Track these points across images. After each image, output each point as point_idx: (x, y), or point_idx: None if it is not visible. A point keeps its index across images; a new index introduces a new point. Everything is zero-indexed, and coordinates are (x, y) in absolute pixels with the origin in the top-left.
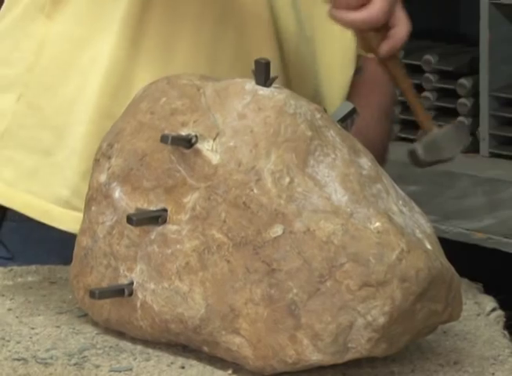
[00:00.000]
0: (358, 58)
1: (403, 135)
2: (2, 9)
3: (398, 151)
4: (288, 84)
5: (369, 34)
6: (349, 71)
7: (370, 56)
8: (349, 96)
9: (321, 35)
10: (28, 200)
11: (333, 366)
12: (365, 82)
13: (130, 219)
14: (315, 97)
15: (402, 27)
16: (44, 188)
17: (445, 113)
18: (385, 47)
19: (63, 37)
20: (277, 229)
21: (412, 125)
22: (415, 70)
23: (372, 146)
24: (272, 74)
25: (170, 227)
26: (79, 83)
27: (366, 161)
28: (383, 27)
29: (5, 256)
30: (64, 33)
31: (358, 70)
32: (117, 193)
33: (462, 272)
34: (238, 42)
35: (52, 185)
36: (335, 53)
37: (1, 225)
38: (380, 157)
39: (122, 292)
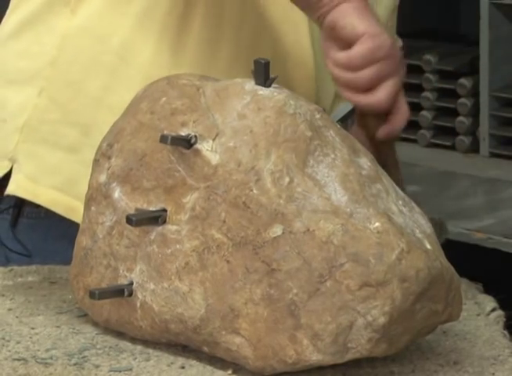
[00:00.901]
0: None
1: (403, 135)
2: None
3: (398, 151)
4: (317, 84)
5: (369, 116)
6: None
7: None
8: None
9: None
10: (53, 196)
11: (333, 367)
12: None
13: (129, 220)
14: (335, 101)
15: (401, 114)
16: (69, 185)
17: (445, 114)
18: (383, 131)
19: (85, 33)
20: (277, 229)
21: (412, 125)
22: (415, 70)
23: None
24: (305, 72)
25: (169, 227)
26: (106, 81)
27: (366, 161)
28: (384, 112)
29: (23, 253)
30: (87, 28)
31: None
32: (116, 193)
33: (462, 273)
34: (274, 46)
35: (79, 182)
36: None
37: (17, 223)
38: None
39: (122, 292)
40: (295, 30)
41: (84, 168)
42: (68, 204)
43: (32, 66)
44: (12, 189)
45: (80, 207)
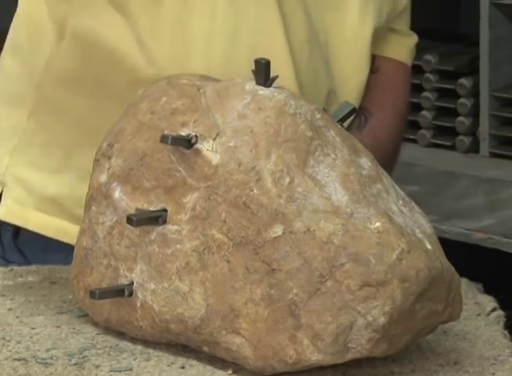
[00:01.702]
0: (374, 58)
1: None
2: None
3: None
4: (300, 90)
5: None
6: (364, 74)
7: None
8: (363, 96)
9: (334, 39)
10: (41, 219)
11: (334, 367)
12: (381, 82)
13: (130, 219)
14: (329, 101)
15: None
16: (55, 206)
17: (445, 114)
18: None
19: (68, 56)
20: (277, 229)
21: (412, 125)
22: (415, 70)
23: (384, 147)
24: (284, 81)
25: (170, 227)
26: (88, 103)
27: (366, 161)
28: None
29: (23, 263)
30: (69, 51)
31: (374, 70)
32: (117, 193)
33: (462, 272)
34: (251, 54)
35: (63, 204)
36: (349, 57)
37: (19, 234)
38: (392, 158)
39: (122, 292)
40: (271, 40)
41: (68, 189)
42: (56, 225)
43: (22, 89)
44: (2, 213)
45: (68, 226)
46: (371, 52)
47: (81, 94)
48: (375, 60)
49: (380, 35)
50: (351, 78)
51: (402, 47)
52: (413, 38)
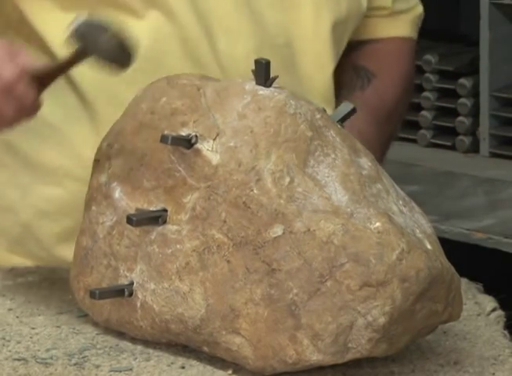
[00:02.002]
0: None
1: (403, 135)
2: None
3: (398, 151)
4: None
5: None
6: (328, 70)
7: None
8: (368, 59)
9: (294, 40)
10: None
11: (334, 367)
12: (386, 49)
13: (130, 219)
14: None
15: None
16: (19, 246)
17: (445, 114)
18: None
19: None
20: (277, 229)
21: (412, 125)
22: (415, 70)
23: (388, 107)
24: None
25: (170, 227)
26: (37, 144)
27: (366, 161)
28: None
29: None
30: None
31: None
32: (117, 193)
33: (462, 272)
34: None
35: (26, 244)
36: (310, 55)
37: None
38: (396, 120)
39: (122, 292)
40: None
41: (28, 230)
42: (15, 262)
43: None
44: None
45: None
46: (348, 40)
47: (33, 134)
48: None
49: (354, 24)
50: (316, 76)
51: (402, 24)
52: (416, 10)
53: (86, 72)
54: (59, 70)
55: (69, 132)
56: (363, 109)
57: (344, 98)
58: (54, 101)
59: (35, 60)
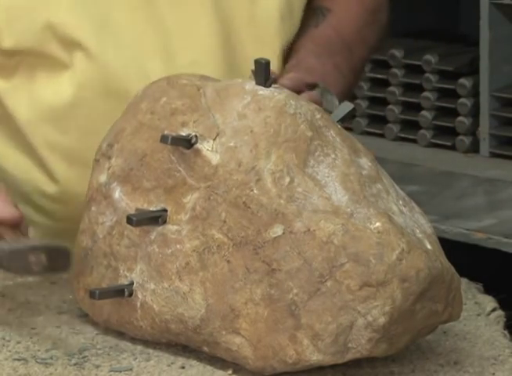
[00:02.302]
0: None
1: (403, 135)
2: None
3: (398, 151)
4: None
5: None
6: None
7: None
8: None
9: (245, 37)
10: None
11: (334, 367)
12: None
13: (130, 220)
14: None
15: None
16: None
17: (445, 114)
18: None
19: None
20: (277, 229)
21: (412, 125)
22: (415, 70)
23: (347, 40)
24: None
25: (170, 227)
26: None
27: (366, 161)
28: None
29: None
30: None
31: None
32: (116, 194)
33: (462, 272)
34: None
35: None
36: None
37: None
38: (359, 50)
39: (122, 292)
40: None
41: None
42: None
43: None
44: None
45: None
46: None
47: None
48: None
49: None
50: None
51: None
52: None
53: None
54: None
55: None
56: (313, 43)
57: (297, 38)
58: None
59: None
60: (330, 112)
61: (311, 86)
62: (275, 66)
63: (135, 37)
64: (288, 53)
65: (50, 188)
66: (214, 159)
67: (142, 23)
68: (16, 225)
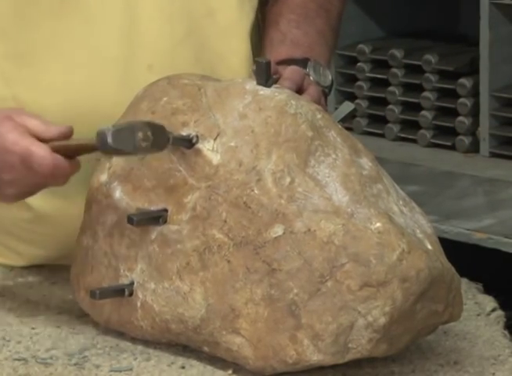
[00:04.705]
0: None
1: (403, 135)
2: None
3: (398, 151)
4: None
5: None
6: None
7: None
8: None
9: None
10: None
11: (334, 367)
12: None
13: (130, 219)
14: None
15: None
16: None
17: (445, 113)
18: None
19: None
20: (278, 229)
21: (412, 125)
22: (415, 70)
23: None
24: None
25: (170, 227)
26: None
27: (367, 161)
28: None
29: None
30: None
31: None
32: (117, 193)
33: (462, 273)
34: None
35: None
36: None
37: None
38: None
39: (122, 292)
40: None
41: None
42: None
43: None
44: None
45: None
46: None
47: None
48: None
49: None
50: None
51: None
52: None
53: None
54: (75, 149)
55: None
56: (291, 12)
57: (271, 6)
58: None
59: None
60: (324, 85)
61: (303, 61)
62: (243, 51)
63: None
64: (264, 22)
65: (26, 214)
66: (215, 159)
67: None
68: (69, 136)
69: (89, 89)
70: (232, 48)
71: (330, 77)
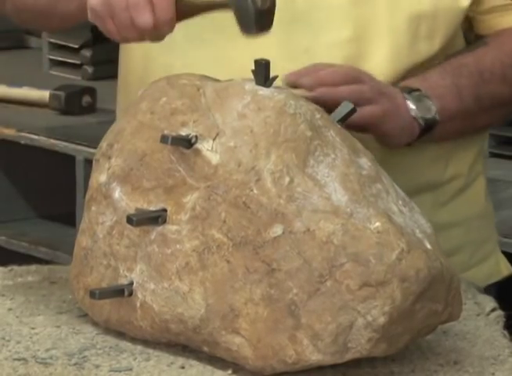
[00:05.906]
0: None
1: None
2: None
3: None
4: None
5: None
6: (400, 66)
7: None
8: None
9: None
10: None
11: (333, 367)
12: (505, 33)
13: (130, 219)
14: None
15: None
16: None
17: None
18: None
19: None
20: (277, 229)
21: None
22: None
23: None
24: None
25: (170, 227)
26: None
27: (366, 161)
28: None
29: None
30: None
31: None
32: (116, 193)
33: None
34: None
35: None
36: (384, 49)
37: None
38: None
39: (122, 292)
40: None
41: None
42: None
43: None
44: None
45: None
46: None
47: None
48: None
49: (449, 20)
50: (384, 71)
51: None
52: None
53: None
54: (199, 9)
55: None
56: (446, 62)
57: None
58: None
59: None
60: (423, 117)
61: (413, 90)
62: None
63: None
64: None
65: None
66: (214, 159)
67: None
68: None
69: None
70: None
71: (434, 111)
